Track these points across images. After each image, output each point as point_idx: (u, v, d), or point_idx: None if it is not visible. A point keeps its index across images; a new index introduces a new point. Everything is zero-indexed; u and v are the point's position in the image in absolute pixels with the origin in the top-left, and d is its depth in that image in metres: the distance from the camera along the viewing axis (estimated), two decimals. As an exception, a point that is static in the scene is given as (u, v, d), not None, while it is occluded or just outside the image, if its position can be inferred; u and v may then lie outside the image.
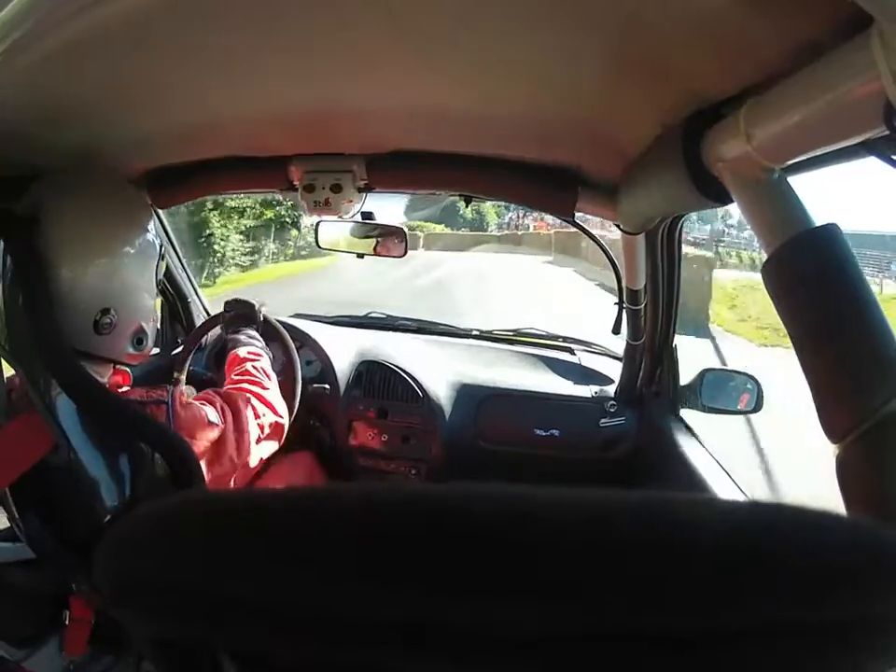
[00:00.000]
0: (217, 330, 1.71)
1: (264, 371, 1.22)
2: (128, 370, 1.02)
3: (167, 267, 1.72)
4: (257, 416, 1.07)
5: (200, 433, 0.96)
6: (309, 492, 0.23)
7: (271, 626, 0.22)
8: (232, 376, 1.19)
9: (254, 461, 1.07)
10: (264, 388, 1.16)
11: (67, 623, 1.01)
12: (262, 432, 1.08)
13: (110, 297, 0.91)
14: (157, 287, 1.02)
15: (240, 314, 1.40)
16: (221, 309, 1.52)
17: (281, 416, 1.15)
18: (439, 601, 0.20)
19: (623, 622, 0.20)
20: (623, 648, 0.20)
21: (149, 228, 0.99)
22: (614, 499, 0.21)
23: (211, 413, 0.99)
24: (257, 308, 1.43)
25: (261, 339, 1.36)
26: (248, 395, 1.10)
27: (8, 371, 0.91)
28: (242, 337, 1.32)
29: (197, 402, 0.99)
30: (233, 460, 1.00)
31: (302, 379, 1.54)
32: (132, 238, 0.95)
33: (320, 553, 0.21)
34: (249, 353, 1.26)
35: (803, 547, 0.20)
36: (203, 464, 0.95)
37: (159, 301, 1.20)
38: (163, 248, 1.02)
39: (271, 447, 1.13)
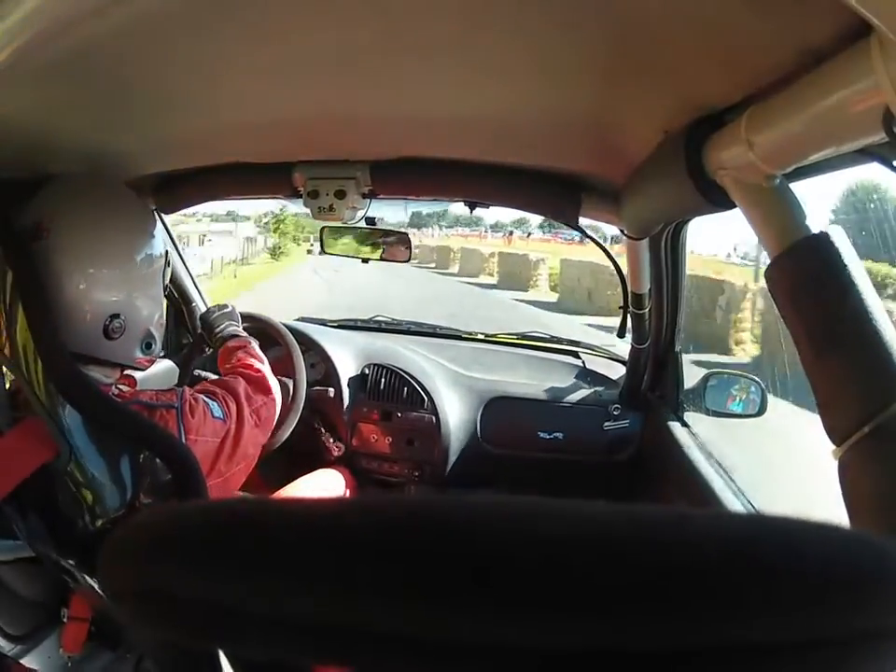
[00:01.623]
0: None
1: (252, 354, 1.23)
2: (134, 375, 1.02)
3: (173, 273, 1.73)
4: (251, 401, 1.08)
5: (209, 433, 0.97)
6: (310, 504, 0.23)
7: (270, 637, 0.22)
8: (228, 365, 1.21)
9: (253, 448, 1.07)
10: (255, 371, 1.17)
11: (66, 620, 1.01)
12: (259, 417, 1.09)
13: (119, 302, 0.91)
14: (164, 291, 1.03)
15: (217, 315, 1.41)
16: None
17: (274, 397, 1.16)
18: (437, 618, 0.20)
19: (626, 639, 0.20)
20: (620, 666, 0.20)
21: (155, 233, 0.99)
22: (619, 515, 0.21)
23: (216, 409, 1.00)
24: (231, 308, 1.43)
25: (243, 330, 1.38)
26: (247, 384, 1.10)
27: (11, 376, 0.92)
28: (224, 334, 1.33)
29: (202, 397, 1.00)
30: (234, 454, 1.01)
31: (307, 382, 1.55)
32: (139, 244, 0.95)
33: (320, 565, 0.21)
34: (237, 342, 1.27)
35: (805, 562, 0.20)
36: (209, 460, 0.95)
37: (165, 304, 1.20)
38: (168, 253, 1.03)
39: (268, 426, 1.14)
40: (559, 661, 0.20)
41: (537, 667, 0.21)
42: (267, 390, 1.15)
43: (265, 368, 1.21)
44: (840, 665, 0.21)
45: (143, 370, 1.03)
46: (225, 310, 1.41)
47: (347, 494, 1.59)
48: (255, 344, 1.29)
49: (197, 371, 1.60)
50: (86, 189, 0.93)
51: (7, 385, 0.92)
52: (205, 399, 1.00)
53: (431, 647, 0.21)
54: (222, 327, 1.35)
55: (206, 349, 1.66)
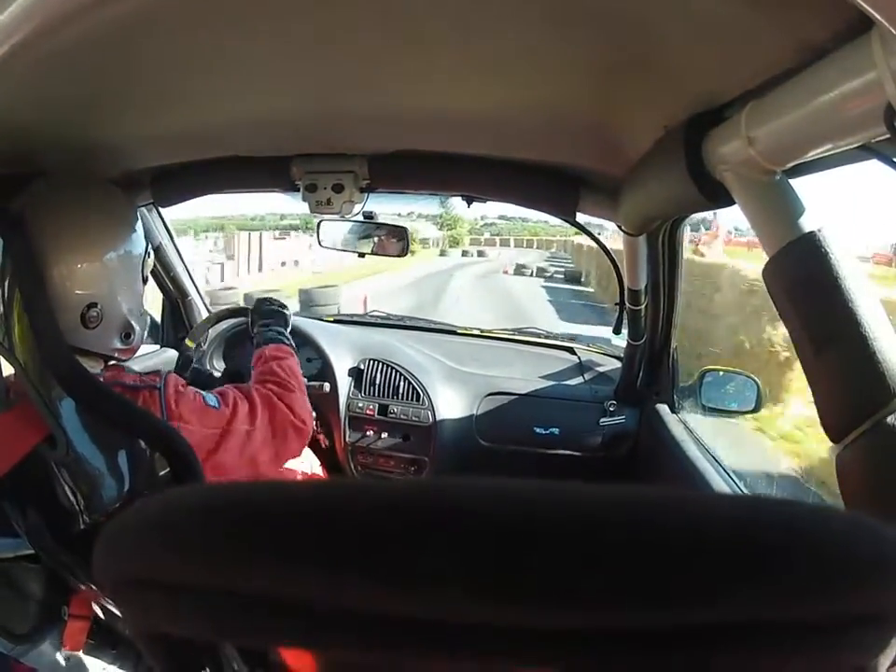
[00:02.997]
0: (219, 328, 1.71)
1: (291, 371, 1.16)
2: (123, 366, 1.02)
3: (169, 266, 1.73)
4: (272, 417, 1.05)
5: (196, 418, 0.95)
6: (308, 486, 0.23)
7: (270, 622, 0.23)
8: (257, 374, 1.16)
9: (263, 457, 1.03)
10: (289, 391, 1.11)
11: (66, 618, 1.01)
12: (275, 434, 1.04)
13: (96, 293, 0.93)
14: (144, 282, 1.04)
15: (271, 308, 1.35)
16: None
17: (302, 421, 1.09)
18: (435, 599, 0.20)
19: (622, 619, 0.20)
20: (621, 644, 0.20)
21: (135, 227, 1.00)
22: (618, 498, 0.21)
23: (209, 398, 0.99)
24: (288, 313, 1.36)
25: (290, 337, 1.30)
26: (270, 394, 1.07)
27: (7, 369, 0.91)
28: (271, 333, 1.26)
29: (194, 388, 0.99)
30: (238, 452, 0.99)
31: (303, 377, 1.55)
32: (114, 237, 0.97)
33: (318, 549, 0.21)
34: (277, 350, 1.21)
35: (804, 542, 0.20)
36: (203, 451, 0.94)
37: (160, 300, 1.16)
38: (150, 246, 1.04)
39: (285, 449, 1.08)
40: (556, 639, 0.21)
41: (532, 644, 0.21)
42: (297, 411, 1.08)
43: (298, 387, 1.14)
44: (837, 643, 0.22)
45: (124, 361, 1.04)
46: (282, 308, 1.36)
47: (310, 467, 1.55)
48: (295, 358, 1.22)
49: (195, 367, 1.58)
50: (61, 185, 0.95)
51: (4, 374, 0.92)
52: (197, 389, 0.99)
53: (429, 628, 0.21)
54: (270, 322, 1.30)
55: (203, 343, 1.65)
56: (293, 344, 1.27)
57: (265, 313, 1.33)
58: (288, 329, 1.33)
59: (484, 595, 0.20)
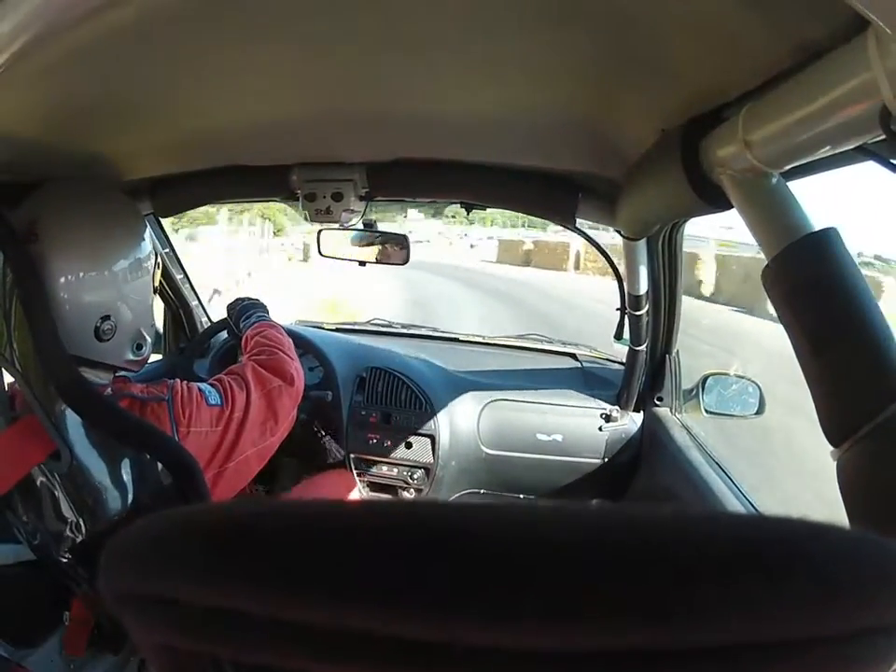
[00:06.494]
0: (220, 336, 1.71)
1: (274, 338, 1.18)
2: (129, 376, 1.01)
3: (170, 275, 1.74)
4: (263, 386, 1.05)
5: (205, 422, 0.96)
6: (312, 506, 0.23)
7: (273, 640, 0.22)
8: (246, 355, 1.17)
9: (261, 430, 1.04)
10: (271, 355, 1.12)
11: (67, 623, 1.01)
12: (269, 403, 1.05)
13: (109, 304, 0.92)
14: (153, 293, 1.04)
15: (247, 303, 1.36)
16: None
17: (289, 379, 1.10)
18: (439, 621, 0.20)
19: (626, 638, 0.20)
20: (625, 665, 0.20)
21: (144, 236, 1.00)
22: (618, 517, 0.21)
23: (212, 396, 0.99)
24: (259, 301, 1.38)
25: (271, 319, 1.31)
26: (255, 366, 1.08)
27: (10, 379, 0.91)
28: (253, 319, 1.28)
29: (199, 385, 0.99)
30: (238, 441, 0.99)
31: (305, 386, 1.55)
32: (128, 247, 0.97)
33: (321, 569, 0.21)
34: (259, 327, 1.22)
35: (807, 559, 0.20)
36: (208, 453, 0.94)
37: (161, 307, 1.15)
38: (158, 257, 1.04)
39: (280, 407, 1.08)
40: (558, 663, 0.20)
41: (535, 669, 0.21)
42: (282, 373, 1.10)
43: (285, 350, 1.15)
44: (841, 661, 0.21)
45: (134, 372, 1.03)
46: (253, 300, 1.37)
47: (356, 496, 1.59)
48: (277, 328, 1.23)
49: (198, 375, 1.58)
50: (75, 193, 0.94)
51: (6, 388, 0.92)
52: (201, 386, 0.99)
53: (433, 651, 0.21)
54: (251, 313, 1.31)
55: (206, 353, 1.65)
56: (271, 318, 1.29)
57: (243, 308, 1.34)
58: (267, 311, 1.34)
59: (486, 617, 0.19)
